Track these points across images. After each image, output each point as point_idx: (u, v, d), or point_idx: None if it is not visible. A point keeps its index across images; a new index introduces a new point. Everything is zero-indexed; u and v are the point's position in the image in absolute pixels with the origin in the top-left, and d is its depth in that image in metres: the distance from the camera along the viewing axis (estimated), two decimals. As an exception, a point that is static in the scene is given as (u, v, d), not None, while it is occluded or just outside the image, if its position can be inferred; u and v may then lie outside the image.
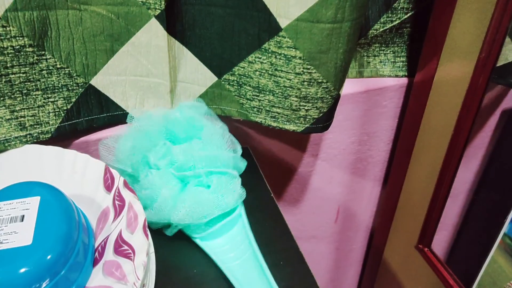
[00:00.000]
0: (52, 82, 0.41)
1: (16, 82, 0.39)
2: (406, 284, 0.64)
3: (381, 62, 0.54)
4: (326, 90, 0.43)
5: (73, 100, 0.43)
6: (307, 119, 0.45)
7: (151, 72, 0.45)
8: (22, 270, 0.29)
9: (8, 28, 0.37)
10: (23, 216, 0.31)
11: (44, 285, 0.29)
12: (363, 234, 0.72)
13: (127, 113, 0.46)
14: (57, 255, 0.30)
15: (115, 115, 0.46)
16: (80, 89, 0.43)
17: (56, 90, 0.42)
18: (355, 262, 0.76)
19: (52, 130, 0.43)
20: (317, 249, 0.71)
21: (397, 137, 0.60)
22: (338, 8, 0.38)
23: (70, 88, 0.43)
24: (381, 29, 0.51)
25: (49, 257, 0.30)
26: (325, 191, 0.63)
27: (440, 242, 0.73)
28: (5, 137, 0.40)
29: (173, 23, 0.43)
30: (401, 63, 0.55)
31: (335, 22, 0.39)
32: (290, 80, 0.42)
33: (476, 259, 0.58)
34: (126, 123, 0.47)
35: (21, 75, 0.39)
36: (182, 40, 0.45)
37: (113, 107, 0.46)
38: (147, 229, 0.34)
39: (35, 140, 0.42)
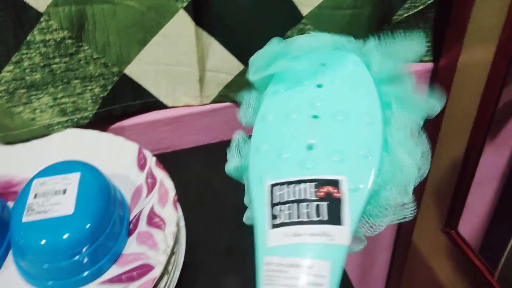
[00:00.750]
0: (90, 71, 0.45)
1: (58, 72, 0.43)
2: (435, 267, 0.65)
3: (405, 47, 0.55)
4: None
5: (109, 88, 0.47)
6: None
7: (180, 61, 0.47)
8: (65, 236, 0.32)
9: (49, 22, 0.40)
10: (65, 189, 0.34)
11: (84, 250, 0.33)
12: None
13: (159, 100, 0.49)
14: (95, 225, 0.33)
15: (148, 102, 0.49)
16: (115, 78, 0.46)
17: (94, 79, 0.45)
18: (385, 247, 0.76)
19: (90, 115, 0.46)
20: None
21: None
22: (358, -7, 0.39)
23: (106, 77, 0.46)
24: (405, 15, 0.52)
25: (88, 225, 0.33)
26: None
27: (472, 229, 0.72)
28: (48, 122, 0.44)
29: (200, 14, 0.45)
30: (426, 48, 0.55)
31: (355, 8, 0.40)
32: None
33: (506, 245, 0.58)
34: (157, 109, 0.50)
35: (61, 65, 0.43)
36: (209, 31, 0.47)
37: (145, 94, 0.49)
38: (177, 203, 0.37)
39: (75, 125, 0.45)
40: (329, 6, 0.40)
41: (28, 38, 0.40)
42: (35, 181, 0.36)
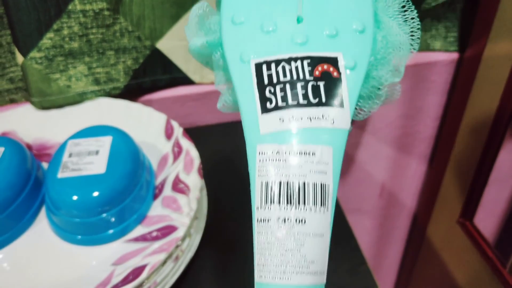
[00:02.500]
0: (124, 44, 0.46)
1: (94, 42, 0.45)
2: (448, 260, 0.65)
3: (432, 36, 0.55)
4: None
5: (141, 61, 0.48)
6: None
7: (210, 39, 0.49)
8: (96, 193, 0.34)
9: (89, -7, 0.42)
10: (98, 151, 0.36)
11: (112, 208, 0.34)
12: (407, 212, 0.73)
13: (187, 76, 0.51)
14: (124, 186, 0.35)
15: (176, 77, 0.51)
16: (147, 51, 0.48)
17: (127, 51, 0.47)
18: (398, 240, 0.77)
19: (122, 86, 0.48)
20: (361, 224, 0.73)
21: (445, 113, 0.61)
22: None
23: (138, 50, 0.47)
24: (434, 3, 0.52)
25: (117, 186, 0.35)
26: (371, 164, 0.65)
27: (488, 224, 0.73)
28: (83, 90, 0.46)
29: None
30: (453, 38, 0.56)
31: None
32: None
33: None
34: (185, 85, 0.51)
35: (98, 35, 0.45)
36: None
37: (175, 70, 0.50)
38: (201, 171, 0.38)
39: (106, 94, 0.47)
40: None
41: (69, 7, 0.42)
42: (70, 141, 0.37)
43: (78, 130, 0.41)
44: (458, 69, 0.56)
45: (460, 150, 0.59)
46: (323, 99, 0.23)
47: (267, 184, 0.22)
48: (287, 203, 0.22)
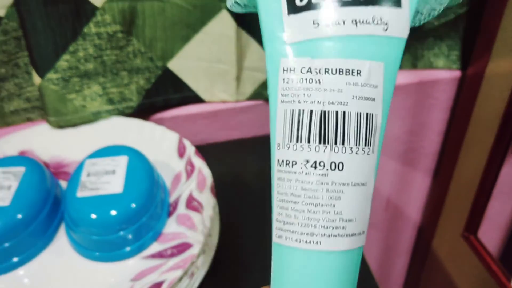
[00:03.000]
0: (137, 64, 0.48)
1: (108, 63, 0.46)
2: (453, 274, 0.66)
3: (435, 55, 0.57)
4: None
5: (153, 81, 0.50)
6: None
7: (220, 59, 0.50)
8: (114, 212, 0.35)
9: (104, 17, 0.44)
10: (115, 170, 0.38)
11: (129, 226, 0.36)
12: (411, 225, 0.74)
13: (197, 95, 0.52)
14: (141, 205, 0.36)
15: (187, 96, 0.52)
16: (159, 71, 0.50)
17: (140, 71, 0.49)
18: (403, 252, 0.78)
19: (135, 106, 0.49)
20: (367, 236, 0.74)
21: (449, 129, 0.62)
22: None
23: (151, 70, 0.49)
24: (436, 23, 0.54)
25: (134, 205, 0.36)
26: (376, 178, 0.66)
27: (493, 238, 0.73)
28: (97, 109, 0.48)
29: (242, 14, 0.48)
30: (455, 56, 0.57)
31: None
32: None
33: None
34: (196, 103, 0.53)
35: (112, 57, 0.46)
36: (249, 30, 0.50)
37: (185, 89, 0.52)
38: (214, 190, 0.40)
39: (120, 113, 0.49)
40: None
41: (84, 30, 0.43)
42: (87, 161, 0.39)
43: (93, 148, 0.42)
44: (460, 87, 0.58)
45: (463, 165, 0.60)
46: None
47: (292, 113, 0.17)
48: (320, 141, 0.17)
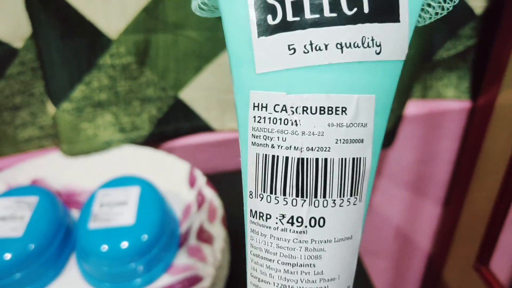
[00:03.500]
0: (149, 94, 0.49)
1: (122, 93, 0.47)
2: (464, 305, 0.65)
3: (444, 85, 0.57)
4: (391, 110, 0.47)
5: (165, 110, 0.51)
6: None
7: (231, 89, 0.51)
8: (126, 244, 0.35)
9: (119, 49, 0.45)
10: (127, 201, 0.38)
11: (140, 258, 0.36)
12: (420, 253, 0.74)
13: (208, 124, 0.53)
14: (152, 237, 0.36)
15: (198, 125, 0.53)
16: (171, 101, 0.50)
17: (152, 101, 0.49)
18: (412, 281, 0.77)
19: (147, 135, 0.50)
20: (374, 265, 0.73)
21: (459, 158, 0.62)
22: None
23: (163, 100, 0.50)
24: (445, 55, 0.54)
25: (146, 237, 0.36)
26: (386, 207, 0.66)
27: (505, 269, 0.72)
28: (110, 138, 0.48)
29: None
30: (465, 87, 0.57)
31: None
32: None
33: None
34: (206, 132, 0.53)
35: (126, 87, 0.47)
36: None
37: (196, 118, 0.52)
38: (225, 221, 0.40)
39: (131, 142, 0.49)
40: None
41: (99, 62, 0.44)
42: (100, 191, 0.39)
43: (105, 177, 0.42)
44: (471, 117, 0.58)
45: (475, 194, 0.60)
46: (365, 9, 0.13)
47: (265, 158, 0.15)
48: (298, 193, 0.14)
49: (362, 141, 0.14)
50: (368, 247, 0.70)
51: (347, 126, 0.14)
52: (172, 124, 0.52)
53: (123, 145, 0.49)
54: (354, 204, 0.15)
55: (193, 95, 0.51)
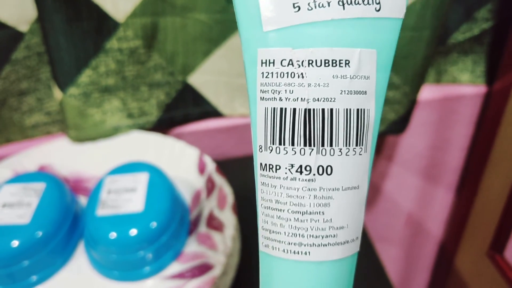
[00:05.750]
0: (158, 79, 0.48)
1: (129, 78, 0.46)
2: (476, 293, 0.64)
3: (459, 69, 0.56)
4: (404, 94, 0.45)
5: (173, 95, 0.50)
6: (383, 121, 0.48)
7: (241, 74, 0.50)
8: (134, 232, 0.35)
9: (126, 32, 0.43)
10: (135, 188, 0.37)
11: (149, 246, 0.35)
12: (432, 240, 0.73)
13: (217, 110, 0.52)
14: (161, 224, 0.36)
15: (207, 111, 0.52)
16: (179, 86, 0.49)
17: (160, 86, 0.48)
18: (424, 268, 0.76)
19: (155, 120, 0.49)
20: (385, 252, 0.72)
21: (473, 145, 0.60)
22: (419, 16, 0.40)
23: (171, 85, 0.49)
24: (461, 38, 0.53)
25: (155, 224, 0.35)
26: (397, 194, 0.65)
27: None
28: (117, 124, 0.47)
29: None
30: (480, 72, 0.56)
31: (415, 30, 0.41)
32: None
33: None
34: (215, 118, 0.52)
35: (133, 72, 0.46)
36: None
37: (205, 103, 0.51)
38: (235, 208, 0.39)
39: (140, 128, 0.49)
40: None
41: (106, 46, 0.43)
42: (107, 178, 0.38)
43: (113, 163, 0.42)
44: (486, 102, 0.56)
45: (489, 181, 0.58)
46: None
47: (273, 112, 0.15)
48: (306, 143, 0.15)
49: (365, 92, 0.15)
50: (378, 234, 0.69)
51: (350, 78, 0.15)
52: (181, 109, 0.51)
53: (131, 131, 0.48)
54: (359, 154, 0.16)
55: (202, 79, 0.50)
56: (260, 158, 0.16)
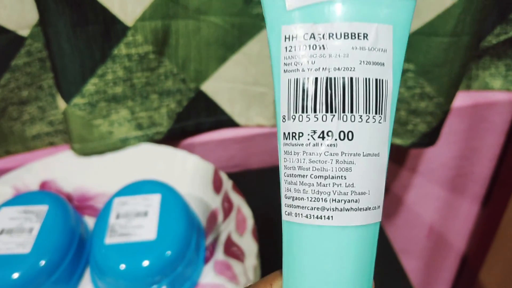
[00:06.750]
0: (168, 87, 0.44)
1: (138, 86, 0.43)
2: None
3: (491, 75, 0.52)
4: (438, 104, 0.42)
5: (184, 104, 0.46)
6: (414, 133, 0.44)
7: (258, 81, 0.46)
8: (146, 263, 0.31)
9: (136, 37, 0.40)
10: (147, 211, 0.34)
11: (163, 278, 0.32)
12: (455, 252, 0.69)
13: (232, 119, 0.48)
14: (176, 252, 0.32)
15: (221, 120, 0.48)
16: (191, 94, 0.46)
17: (171, 94, 0.45)
18: (445, 280, 0.73)
19: (165, 131, 0.46)
20: (406, 263, 0.69)
21: (504, 154, 0.57)
22: (458, 21, 0.37)
23: (183, 93, 0.45)
24: (495, 41, 0.49)
25: (169, 253, 0.32)
26: (420, 205, 0.61)
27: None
28: (125, 136, 0.44)
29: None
30: (514, 77, 0.52)
31: (454, 36, 0.38)
32: (401, 93, 0.42)
33: None
34: (229, 127, 0.49)
35: (142, 79, 0.42)
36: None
37: (219, 112, 0.48)
38: (256, 233, 0.35)
39: (149, 139, 0.45)
40: (425, 33, 0.38)
41: (114, 52, 0.40)
42: (116, 199, 0.35)
43: (121, 178, 0.39)
44: (520, 109, 0.52)
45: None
46: None
47: (297, 82, 0.16)
48: (327, 109, 0.16)
49: (383, 64, 0.16)
50: (399, 245, 0.66)
51: (369, 50, 0.16)
52: (193, 119, 0.47)
53: (140, 143, 0.45)
54: (379, 123, 0.16)
55: (216, 87, 0.46)
56: (283, 128, 0.17)
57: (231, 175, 0.42)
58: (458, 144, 0.55)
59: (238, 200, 0.38)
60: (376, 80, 0.16)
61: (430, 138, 0.45)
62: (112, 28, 0.39)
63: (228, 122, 0.48)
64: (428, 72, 0.40)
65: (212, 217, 0.38)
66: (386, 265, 0.43)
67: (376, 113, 0.16)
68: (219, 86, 0.46)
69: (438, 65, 0.39)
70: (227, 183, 0.39)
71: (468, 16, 0.37)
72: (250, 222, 0.36)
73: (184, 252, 0.33)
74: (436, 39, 0.38)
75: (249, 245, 0.34)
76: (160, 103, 0.45)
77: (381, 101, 0.16)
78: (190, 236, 0.34)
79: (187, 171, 0.42)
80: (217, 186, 0.40)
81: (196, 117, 0.47)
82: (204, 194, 0.40)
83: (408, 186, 0.59)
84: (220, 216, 0.38)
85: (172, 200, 0.35)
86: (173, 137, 0.47)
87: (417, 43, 0.39)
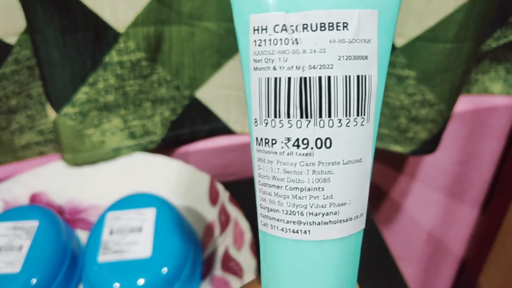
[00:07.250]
0: (162, 94, 0.43)
1: (131, 94, 0.41)
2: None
3: (491, 79, 0.51)
4: (439, 111, 0.41)
5: (179, 111, 0.45)
6: (414, 141, 0.43)
7: (254, 86, 0.45)
8: (142, 282, 0.30)
9: (128, 44, 0.38)
10: (141, 227, 0.33)
11: (159, 297, 0.30)
12: (454, 258, 0.68)
13: (227, 126, 0.47)
14: (173, 270, 0.31)
15: (216, 128, 0.47)
16: (186, 101, 0.44)
17: (165, 102, 0.43)
18: (443, 286, 0.72)
19: (159, 140, 0.44)
20: (405, 269, 0.68)
21: (503, 159, 0.56)
22: (461, 27, 0.36)
23: (177, 100, 0.44)
24: (494, 45, 0.48)
25: (165, 270, 0.31)
26: (419, 211, 0.60)
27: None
28: (118, 145, 0.43)
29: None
30: (514, 82, 0.51)
31: (456, 42, 0.37)
32: (401, 101, 0.41)
33: None
34: (225, 135, 0.48)
35: (135, 87, 0.41)
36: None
37: (214, 119, 0.46)
38: (254, 248, 0.34)
39: (142, 149, 0.44)
40: (426, 39, 0.37)
41: (105, 59, 0.38)
42: (109, 214, 0.34)
43: (114, 189, 0.38)
44: (521, 114, 0.52)
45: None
46: None
47: (268, 82, 0.14)
48: (302, 114, 0.14)
49: (366, 57, 0.14)
50: (397, 251, 0.65)
51: (349, 42, 0.14)
52: (188, 127, 0.46)
53: (134, 153, 0.43)
54: (361, 125, 0.14)
55: (211, 94, 0.45)
56: (255, 132, 0.15)
57: (227, 184, 0.41)
58: (457, 149, 0.55)
59: (235, 213, 0.37)
60: (358, 76, 0.14)
61: (430, 145, 0.44)
62: (103, 35, 0.37)
63: (224, 130, 0.47)
64: (429, 79, 0.39)
65: (208, 231, 0.37)
66: (384, 271, 0.42)
67: (358, 114, 0.14)
68: (214, 93, 0.45)
69: (439, 72, 0.38)
70: (224, 195, 0.38)
71: (471, 22, 0.36)
72: (248, 236, 0.35)
73: (181, 269, 0.31)
74: (438, 46, 0.37)
75: (247, 260, 0.33)
76: (153, 111, 0.43)
77: (364, 100, 0.14)
78: (187, 252, 0.32)
79: (182, 182, 0.40)
80: (213, 198, 0.39)
81: (190, 125, 0.46)
82: (200, 206, 0.39)
83: (407, 192, 0.58)
84: (217, 230, 0.37)
85: (167, 214, 0.34)
86: (167, 145, 0.46)
87: (418, 50, 0.38)
